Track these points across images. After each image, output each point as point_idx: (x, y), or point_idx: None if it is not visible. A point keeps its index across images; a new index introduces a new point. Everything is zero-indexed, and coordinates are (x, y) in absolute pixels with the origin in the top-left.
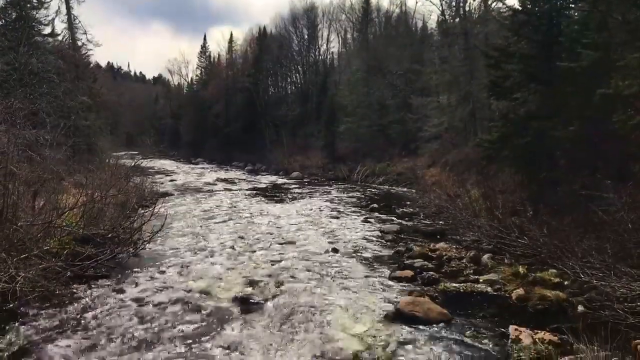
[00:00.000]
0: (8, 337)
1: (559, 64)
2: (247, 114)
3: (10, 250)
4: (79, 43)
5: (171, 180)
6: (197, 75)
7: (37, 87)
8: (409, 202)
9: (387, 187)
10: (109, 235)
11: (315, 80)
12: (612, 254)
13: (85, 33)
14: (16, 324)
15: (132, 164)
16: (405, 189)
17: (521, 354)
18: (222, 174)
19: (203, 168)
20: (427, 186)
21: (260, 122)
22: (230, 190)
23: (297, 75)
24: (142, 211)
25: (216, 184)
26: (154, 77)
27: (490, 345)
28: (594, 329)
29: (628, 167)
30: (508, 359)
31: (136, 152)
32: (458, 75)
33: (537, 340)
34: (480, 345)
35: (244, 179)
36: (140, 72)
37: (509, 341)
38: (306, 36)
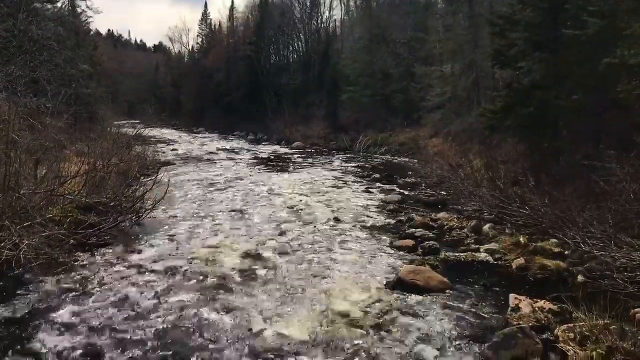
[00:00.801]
0: (14, 303)
1: (564, 31)
2: (249, 83)
3: (13, 219)
4: (79, 10)
5: (173, 150)
6: (198, 44)
7: (38, 54)
8: (411, 173)
9: (389, 157)
10: (112, 204)
11: (317, 49)
12: (614, 224)
13: (84, 0)
14: (21, 291)
15: (134, 133)
16: (407, 160)
17: (521, 322)
18: (224, 144)
19: (205, 137)
20: (430, 156)
21: (262, 91)
22: (232, 159)
23: (300, 43)
24: (145, 180)
25: (218, 154)
26: (154, 45)
27: (490, 314)
28: (593, 299)
29: (632, 138)
30: (507, 327)
31: (137, 121)
32: (462, 43)
33: (536, 309)
34: (480, 314)
35: (246, 149)
36: (141, 40)
37: (509, 310)
38: (309, 3)
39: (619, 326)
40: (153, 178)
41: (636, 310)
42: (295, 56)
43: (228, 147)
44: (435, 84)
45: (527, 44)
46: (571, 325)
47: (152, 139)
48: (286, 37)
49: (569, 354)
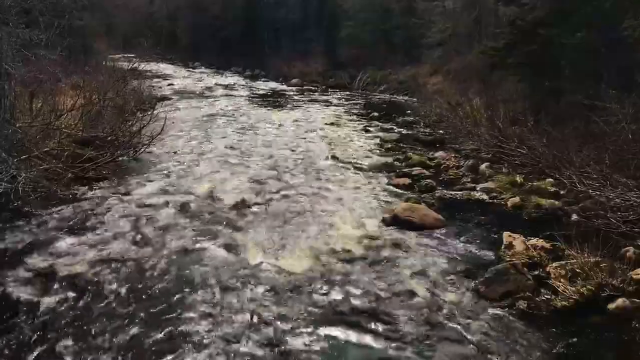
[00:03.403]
0: (13, 234)
1: None
2: (246, 17)
3: (10, 151)
4: None
5: (169, 85)
6: None
7: None
8: (409, 111)
9: (388, 95)
10: (109, 138)
11: None
12: (610, 164)
13: None
14: (20, 223)
15: (130, 67)
16: (406, 98)
17: (513, 259)
18: (221, 79)
19: (201, 72)
20: (429, 95)
21: (259, 26)
22: (229, 95)
23: None
24: (141, 115)
25: (215, 89)
26: None
27: (484, 250)
28: (586, 237)
29: (634, 77)
30: (500, 263)
31: (133, 55)
32: None
33: (529, 246)
34: (473, 250)
35: (243, 85)
36: None
37: (502, 247)
38: None
39: (610, 263)
40: (150, 113)
41: (627, 248)
42: None
43: (225, 83)
44: (437, 20)
45: None
46: (563, 262)
47: (148, 73)
48: None
49: (559, 289)
